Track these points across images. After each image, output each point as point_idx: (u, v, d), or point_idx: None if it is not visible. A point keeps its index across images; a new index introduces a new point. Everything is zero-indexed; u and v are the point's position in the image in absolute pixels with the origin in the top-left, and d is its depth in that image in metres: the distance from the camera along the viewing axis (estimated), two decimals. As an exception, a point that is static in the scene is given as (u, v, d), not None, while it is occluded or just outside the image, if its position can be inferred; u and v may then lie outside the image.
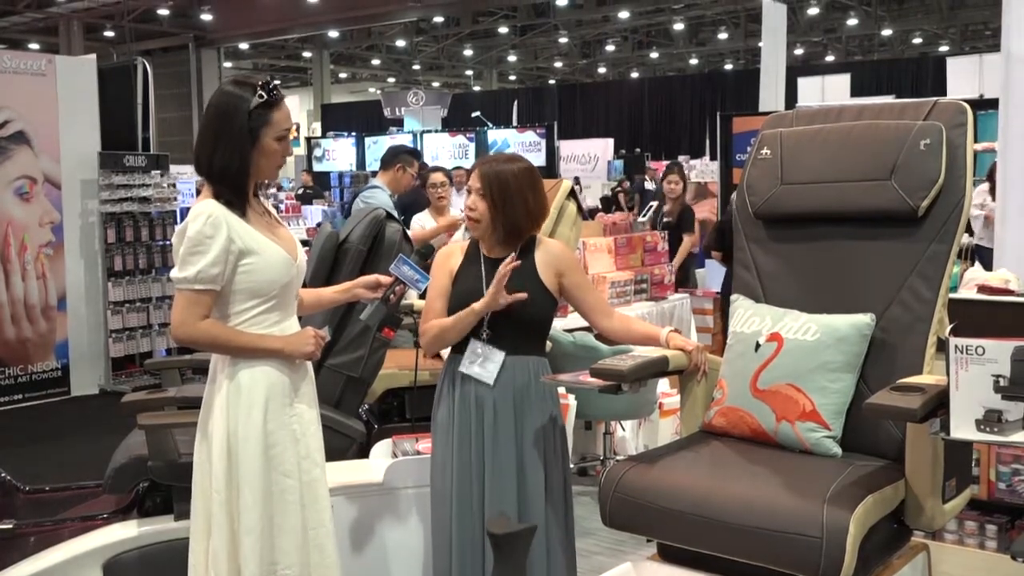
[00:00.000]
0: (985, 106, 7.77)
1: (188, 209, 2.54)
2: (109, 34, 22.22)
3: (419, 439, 3.30)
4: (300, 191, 15.69)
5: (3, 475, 3.58)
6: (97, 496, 3.41)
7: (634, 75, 30.92)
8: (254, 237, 2.44)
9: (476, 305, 2.73)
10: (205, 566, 2.48)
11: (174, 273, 2.43)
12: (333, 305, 3.00)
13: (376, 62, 30.10)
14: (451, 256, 2.90)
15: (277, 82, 2.54)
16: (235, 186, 2.44)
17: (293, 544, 2.47)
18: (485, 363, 2.76)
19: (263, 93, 2.42)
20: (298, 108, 25.98)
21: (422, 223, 5.85)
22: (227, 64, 24.35)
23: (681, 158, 16.66)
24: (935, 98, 2.86)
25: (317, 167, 18.65)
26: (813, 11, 22.88)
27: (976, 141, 2.70)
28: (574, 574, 2.92)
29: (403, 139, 17.50)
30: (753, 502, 2.29)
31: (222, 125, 2.43)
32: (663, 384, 4.78)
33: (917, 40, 26.91)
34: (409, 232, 5.18)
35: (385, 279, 2.71)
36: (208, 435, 2.49)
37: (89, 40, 21.57)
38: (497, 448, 2.76)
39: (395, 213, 4.21)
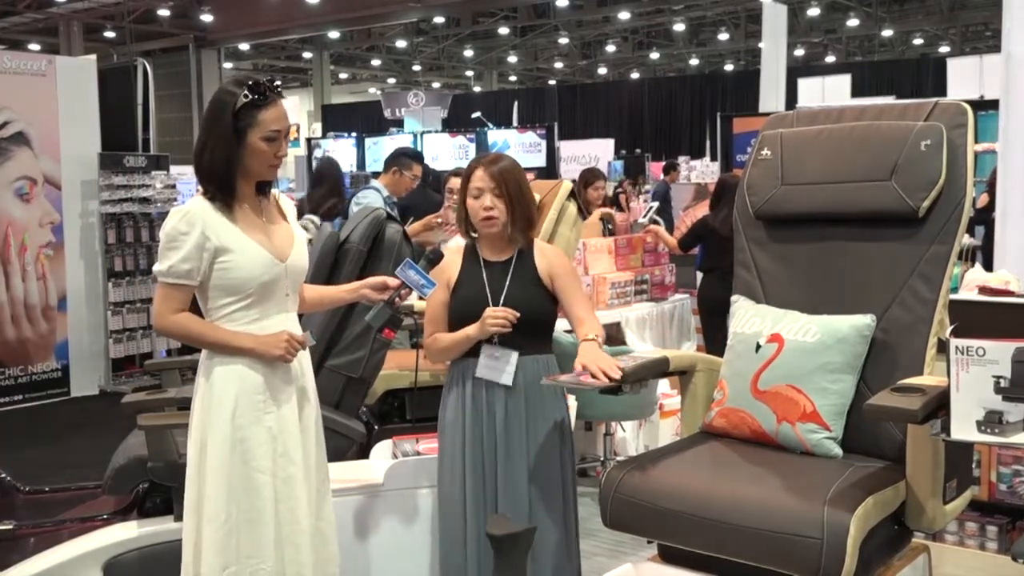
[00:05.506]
0: (985, 107, 7.76)
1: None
2: (109, 35, 22.20)
3: (419, 440, 3.30)
4: None
5: (3, 476, 3.58)
6: (97, 497, 3.41)
7: (634, 76, 30.91)
8: (233, 236, 2.46)
9: (470, 331, 2.77)
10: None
11: (154, 266, 2.51)
12: (337, 304, 3.01)
13: (376, 63, 30.08)
14: (447, 268, 2.89)
15: (278, 82, 2.53)
16: (222, 184, 2.46)
17: (269, 538, 2.48)
18: (501, 365, 2.77)
19: (248, 92, 2.43)
20: (298, 109, 25.95)
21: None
22: (227, 64, 24.31)
23: (681, 159, 16.69)
24: (936, 99, 2.85)
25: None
26: (813, 12, 22.86)
27: (976, 142, 2.70)
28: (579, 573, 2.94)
29: (403, 140, 17.47)
30: (754, 503, 2.29)
31: (211, 123, 2.46)
32: (663, 385, 4.78)
33: (918, 41, 26.91)
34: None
35: (393, 281, 2.71)
36: (189, 433, 2.54)
37: (89, 41, 21.55)
38: (509, 447, 2.78)
39: (394, 214, 4.21)
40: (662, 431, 4.90)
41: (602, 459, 4.83)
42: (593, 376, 2.50)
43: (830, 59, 26.52)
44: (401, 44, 26.79)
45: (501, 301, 2.79)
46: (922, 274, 2.60)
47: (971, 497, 2.64)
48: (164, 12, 20.49)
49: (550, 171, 15.24)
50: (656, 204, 7.86)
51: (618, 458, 4.65)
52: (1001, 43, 4.45)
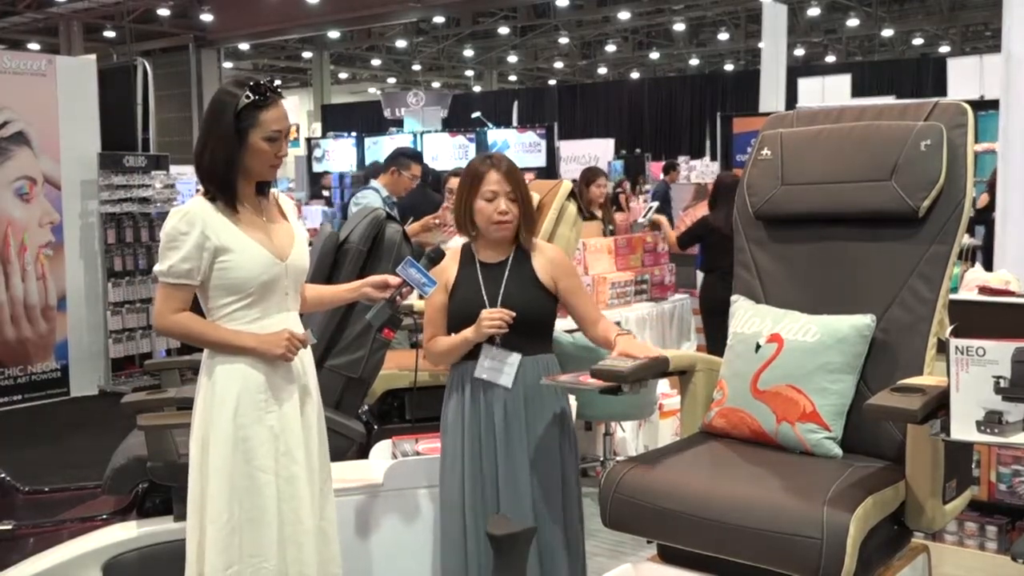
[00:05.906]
0: (986, 107, 7.77)
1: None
2: (109, 34, 22.19)
3: (419, 440, 3.30)
4: None
5: (2, 476, 3.58)
6: (96, 497, 3.41)
7: (634, 75, 30.89)
8: (233, 235, 2.47)
9: (468, 334, 2.77)
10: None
11: (155, 266, 2.52)
12: (337, 303, 3.02)
13: (376, 62, 30.08)
14: (444, 271, 2.89)
15: (278, 82, 2.54)
16: (222, 184, 2.48)
17: (272, 538, 2.49)
18: (501, 366, 2.77)
19: (250, 93, 2.44)
20: (298, 108, 25.95)
21: None
22: (227, 64, 24.32)
23: (681, 158, 16.69)
24: (936, 99, 2.85)
25: (317, 167, 18.64)
26: (813, 12, 22.85)
27: (976, 142, 2.70)
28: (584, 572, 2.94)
29: (403, 140, 17.47)
30: (753, 503, 2.29)
31: (212, 123, 2.48)
32: (663, 385, 4.78)
33: (918, 41, 26.90)
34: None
35: (394, 280, 2.72)
36: (191, 432, 2.55)
37: (89, 40, 21.54)
38: (509, 448, 2.77)
39: (394, 214, 4.22)
40: (662, 431, 4.90)
41: (602, 459, 4.83)
42: (634, 358, 2.57)
43: (830, 59, 26.51)
44: (401, 44, 26.79)
45: (499, 303, 2.78)
46: (922, 274, 2.59)
47: (971, 497, 2.64)
48: (164, 12, 20.49)
49: (550, 171, 15.24)
50: (656, 204, 7.86)
51: (618, 458, 4.65)
52: (1001, 43, 4.46)
